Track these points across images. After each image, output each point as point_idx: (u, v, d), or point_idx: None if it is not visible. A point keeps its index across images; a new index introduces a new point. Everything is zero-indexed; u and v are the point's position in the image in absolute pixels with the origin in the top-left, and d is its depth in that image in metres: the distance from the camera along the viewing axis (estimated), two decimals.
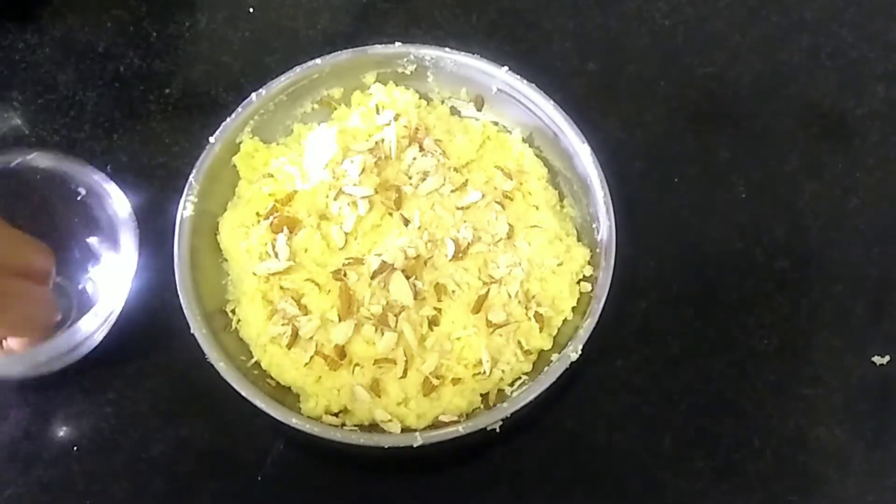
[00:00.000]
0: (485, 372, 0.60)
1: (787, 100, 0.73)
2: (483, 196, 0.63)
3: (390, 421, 0.59)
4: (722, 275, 0.68)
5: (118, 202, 0.60)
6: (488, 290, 0.61)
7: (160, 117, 0.71)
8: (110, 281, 0.60)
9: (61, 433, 0.62)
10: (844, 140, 0.72)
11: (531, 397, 0.58)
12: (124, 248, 0.59)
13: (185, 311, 0.59)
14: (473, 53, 0.67)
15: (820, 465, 0.63)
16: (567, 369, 0.59)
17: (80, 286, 0.64)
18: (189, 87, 0.73)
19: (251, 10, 0.75)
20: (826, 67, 0.74)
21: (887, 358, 0.65)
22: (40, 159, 0.60)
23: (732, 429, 0.64)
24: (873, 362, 0.65)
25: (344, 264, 0.61)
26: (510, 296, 0.61)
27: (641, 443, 0.63)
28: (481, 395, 0.61)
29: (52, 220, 0.62)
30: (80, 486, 0.61)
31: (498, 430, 0.60)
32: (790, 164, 0.71)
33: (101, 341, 0.61)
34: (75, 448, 0.62)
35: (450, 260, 0.62)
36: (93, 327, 0.58)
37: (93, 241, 0.63)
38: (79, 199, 0.61)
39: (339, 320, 0.60)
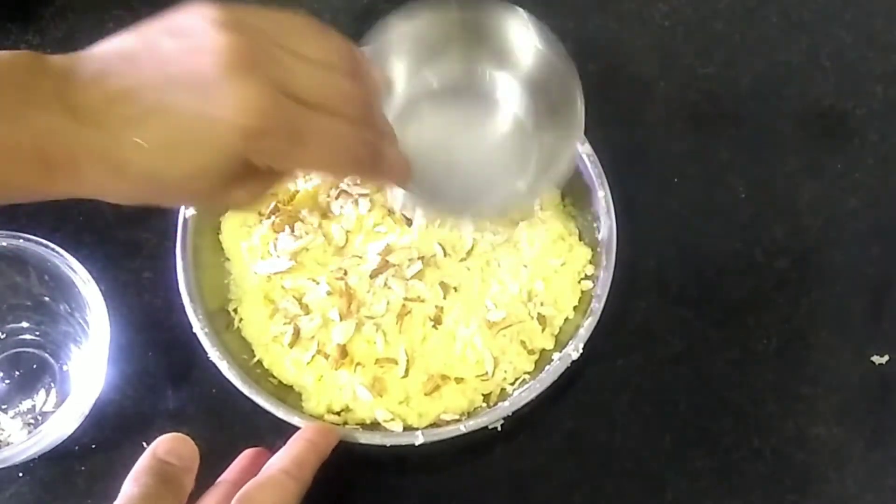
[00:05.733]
0: (487, 372, 0.60)
1: (787, 100, 0.73)
2: None
3: (392, 420, 0.59)
4: (722, 275, 0.68)
5: (85, 286, 0.59)
6: (491, 289, 0.61)
7: None
8: (85, 369, 0.59)
9: None
10: (844, 140, 0.72)
11: (532, 396, 0.59)
12: (94, 333, 0.59)
13: (186, 309, 0.60)
14: None
15: (819, 464, 0.63)
16: (568, 368, 0.59)
17: (63, 366, 0.64)
18: None
19: None
20: (825, 68, 0.74)
21: (886, 357, 0.65)
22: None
23: (732, 429, 0.64)
24: (872, 362, 0.65)
25: (345, 263, 0.62)
26: (513, 295, 0.62)
27: (641, 442, 0.63)
28: (483, 394, 0.61)
29: (30, 294, 0.63)
30: (82, 486, 0.61)
31: (499, 429, 0.60)
32: (790, 164, 0.71)
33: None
34: (77, 447, 0.62)
35: (452, 259, 0.62)
36: (69, 424, 0.59)
37: (70, 319, 0.63)
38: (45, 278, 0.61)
39: (341, 319, 0.60)
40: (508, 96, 0.62)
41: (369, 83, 0.50)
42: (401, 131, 0.54)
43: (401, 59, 0.60)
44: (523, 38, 0.59)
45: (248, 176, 0.47)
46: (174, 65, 0.44)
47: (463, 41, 0.60)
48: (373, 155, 0.49)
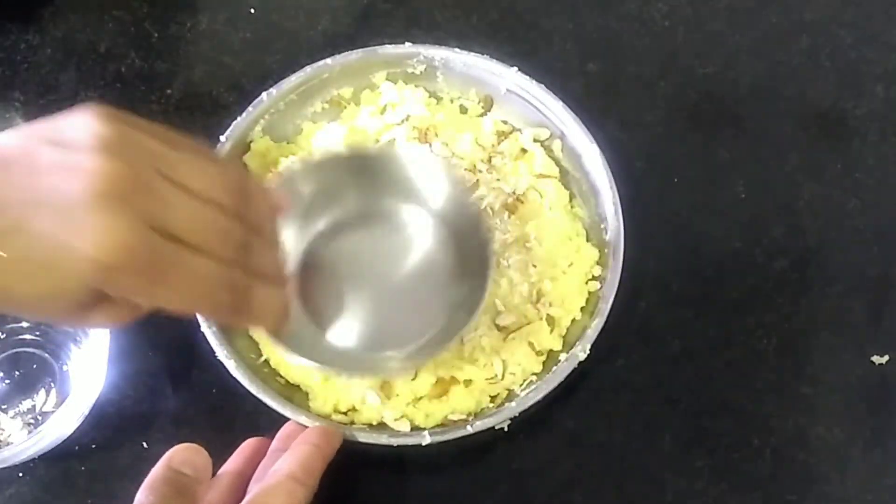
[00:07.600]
0: (497, 375, 0.60)
1: (787, 100, 0.73)
2: (495, 196, 0.64)
3: (399, 419, 0.59)
4: (722, 275, 0.68)
5: None
6: (500, 289, 0.61)
7: (162, 118, 0.71)
8: (85, 369, 0.59)
9: None
10: (844, 140, 0.72)
11: (539, 397, 0.59)
12: (94, 333, 0.59)
13: None
14: (479, 54, 0.67)
15: (819, 464, 0.63)
16: (574, 369, 0.59)
17: (63, 366, 0.63)
18: (190, 87, 0.73)
19: (252, 10, 0.76)
20: (825, 68, 0.74)
21: (886, 357, 0.66)
22: None
23: (732, 428, 0.64)
24: (872, 362, 0.66)
25: None
26: (522, 296, 0.61)
27: (641, 442, 0.64)
28: (490, 394, 0.61)
29: None
30: (82, 485, 0.61)
31: (505, 429, 0.60)
32: (790, 164, 0.71)
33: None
34: (77, 447, 0.62)
35: None
36: (69, 424, 0.59)
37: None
38: None
39: None
40: (422, 228, 0.61)
41: (259, 216, 0.48)
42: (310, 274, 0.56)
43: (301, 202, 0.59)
44: (432, 172, 0.60)
45: (111, 300, 0.45)
46: (45, 180, 0.42)
47: (364, 180, 0.60)
48: (236, 300, 0.47)
